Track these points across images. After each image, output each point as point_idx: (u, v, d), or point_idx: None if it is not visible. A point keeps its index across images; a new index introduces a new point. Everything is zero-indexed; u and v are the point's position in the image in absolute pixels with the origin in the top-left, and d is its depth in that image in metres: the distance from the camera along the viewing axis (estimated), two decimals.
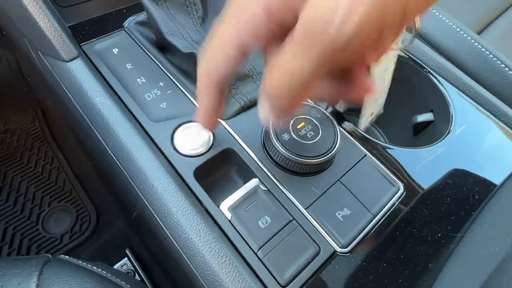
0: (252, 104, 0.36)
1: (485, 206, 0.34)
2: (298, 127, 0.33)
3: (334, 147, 0.32)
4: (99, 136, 0.33)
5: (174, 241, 0.28)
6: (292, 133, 0.32)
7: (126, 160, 0.31)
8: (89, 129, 0.34)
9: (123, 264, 0.80)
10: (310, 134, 0.32)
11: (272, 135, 0.32)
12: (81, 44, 0.39)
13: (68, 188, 0.96)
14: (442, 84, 0.44)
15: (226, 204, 0.30)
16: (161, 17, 0.36)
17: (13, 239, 0.87)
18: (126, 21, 0.42)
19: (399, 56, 0.46)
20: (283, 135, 0.32)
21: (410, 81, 0.47)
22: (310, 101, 0.38)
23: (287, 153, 0.31)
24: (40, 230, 0.90)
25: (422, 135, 0.47)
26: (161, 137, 0.33)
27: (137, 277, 0.77)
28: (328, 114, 0.34)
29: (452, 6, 0.70)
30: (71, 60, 0.35)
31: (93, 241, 0.90)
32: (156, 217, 0.29)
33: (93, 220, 0.92)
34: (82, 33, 0.40)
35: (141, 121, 0.33)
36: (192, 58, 0.35)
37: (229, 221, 0.29)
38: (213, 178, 0.33)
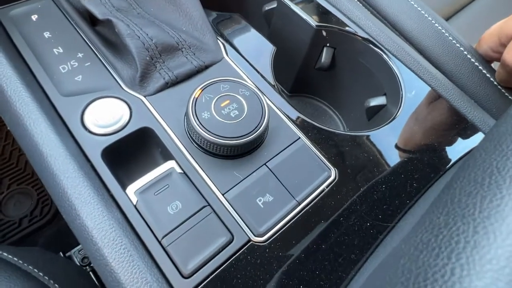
0: (179, 80, 0.33)
1: (422, 195, 0.32)
2: (222, 105, 0.30)
3: (258, 128, 0.29)
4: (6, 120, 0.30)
5: (70, 226, 0.26)
6: (213, 112, 0.29)
7: (23, 136, 0.27)
8: None
9: (80, 249, 0.77)
10: (234, 113, 0.29)
11: (191, 113, 0.29)
12: None
13: (30, 170, 0.92)
14: (396, 66, 0.41)
15: (133, 188, 0.27)
16: None
17: None
18: None
19: (358, 36, 0.43)
20: (202, 114, 0.29)
21: (366, 63, 0.44)
22: (245, 78, 0.35)
23: (204, 133, 0.28)
24: None
25: (376, 118, 0.45)
26: (69, 113, 0.29)
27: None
28: (258, 92, 0.31)
29: None
30: None
31: (54, 225, 0.88)
32: (54, 199, 0.26)
33: (54, 203, 0.89)
34: None
35: (49, 95, 0.30)
36: (108, 25, 0.31)
37: (134, 206, 0.26)
38: (127, 160, 0.30)
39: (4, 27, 0.34)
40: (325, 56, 0.46)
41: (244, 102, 0.30)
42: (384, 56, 0.42)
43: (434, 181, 0.33)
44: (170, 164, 0.29)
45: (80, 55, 0.33)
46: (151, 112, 0.31)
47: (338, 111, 0.53)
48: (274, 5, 0.49)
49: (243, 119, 0.29)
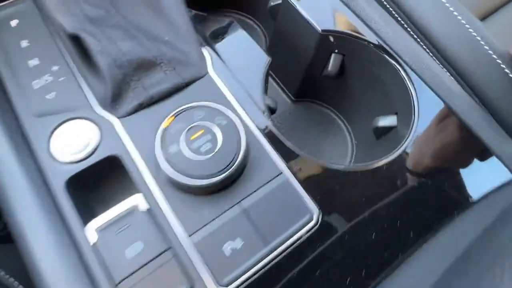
0: (155, 100, 0.30)
1: (421, 247, 0.28)
2: (193, 137, 0.27)
3: (231, 167, 0.26)
4: None
5: (24, 261, 0.25)
6: (182, 145, 0.26)
7: None
8: None
9: None
10: (206, 146, 0.26)
11: (158, 146, 0.26)
12: None
13: None
14: (411, 82, 0.35)
15: (94, 225, 0.26)
16: None
17: None
18: None
19: (370, 44, 0.37)
20: (170, 147, 0.26)
21: (379, 75, 0.39)
22: (229, 99, 0.31)
23: (169, 170, 0.25)
24: None
25: (385, 138, 0.40)
26: (37, 137, 0.28)
27: None
28: (236, 121, 0.28)
29: None
30: None
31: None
32: (10, 228, 0.26)
33: None
34: None
35: (19, 115, 0.29)
36: (75, 41, 0.28)
37: (94, 245, 0.25)
38: (93, 191, 0.28)
39: None
40: (333, 63, 0.41)
41: (219, 133, 0.27)
42: (399, 68, 0.36)
43: (435, 231, 0.28)
44: (137, 198, 0.27)
45: (55, 68, 0.31)
46: (122, 137, 0.29)
47: (347, 121, 0.48)
48: (279, 0, 0.43)
49: (215, 154, 0.26)
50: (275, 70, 0.50)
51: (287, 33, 0.43)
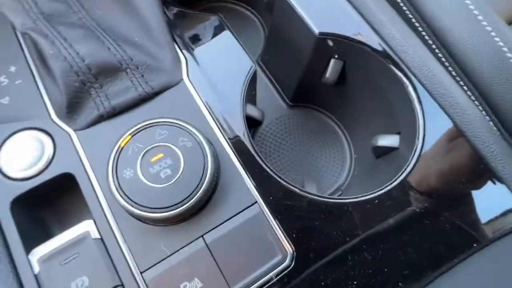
0: (118, 111, 0.27)
1: None
2: (152, 159, 0.23)
3: (192, 198, 0.22)
4: None
5: None
6: (139, 169, 0.23)
7: None
8: None
9: None
10: (166, 172, 0.23)
11: (110, 169, 0.23)
12: None
13: None
14: (418, 99, 0.30)
15: (38, 252, 0.23)
16: None
17: None
18: None
19: (373, 50, 0.32)
20: (124, 171, 0.23)
21: (382, 86, 0.34)
22: (203, 112, 0.28)
23: (120, 199, 0.22)
24: None
25: (386, 158, 0.35)
26: None
27: None
28: (203, 142, 0.24)
29: None
30: None
31: None
32: None
33: None
34: None
35: None
36: (26, 40, 0.25)
37: (35, 276, 0.23)
38: (41, 212, 0.25)
39: None
40: (332, 69, 0.36)
41: (181, 157, 0.23)
42: (406, 82, 0.31)
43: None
44: (88, 224, 0.24)
45: (12, 68, 0.28)
46: (78, 153, 0.26)
47: (347, 132, 0.43)
48: None
49: (175, 182, 0.23)
50: (271, 71, 0.45)
51: (282, 32, 0.38)
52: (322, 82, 0.38)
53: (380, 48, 0.32)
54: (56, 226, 0.25)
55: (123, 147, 0.23)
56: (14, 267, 0.23)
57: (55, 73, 0.25)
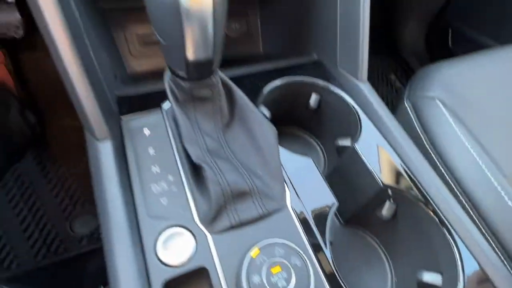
0: (243, 223, 0.37)
1: None
2: (273, 271, 0.32)
3: None
4: (99, 212, 0.37)
5: None
6: (264, 278, 0.32)
7: (108, 247, 0.34)
8: (96, 198, 0.38)
9: None
10: (282, 283, 0.32)
11: (243, 273, 0.32)
12: (122, 116, 0.45)
13: None
14: (460, 252, 0.40)
15: None
16: (184, 122, 0.39)
17: (44, 227, 0.98)
18: (165, 102, 0.47)
19: (421, 202, 0.43)
20: (254, 276, 0.32)
21: (428, 232, 0.44)
22: (301, 235, 0.37)
23: None
24: (67, 226, 1.00)
25: None
26: (148, 235, 0.35)
27: None
28: (308, 265, 0.33)
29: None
30: (102, 140, 0.40)
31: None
32: None
33: None
34: (127, 103, 0.46)
35: (138, 213, 0.37)
36: (199, 168, 0.37)
37: None
38: None
39: (123, 137, 0.43)
40: (387, 210, 0.47)
41: (293, 273, 0.33)
42: (447, 234, 0.41)
43: None
44: None
45: (171, 178, 0.40)
46: (211, 252, 0.35)
47: (390, 258, 0.52)
48: (348, 143, 0.52)
49: None
50: None
51: (349, 173, 0.50)
52: (377, 215, 0.48)
53: (428, 203, 0.43)
54: None
55: (253, 258, 0.33)
56: None
57: (211, 193, 0.36)
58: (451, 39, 1.24)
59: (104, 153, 0.39)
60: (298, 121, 0.63)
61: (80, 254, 0.96)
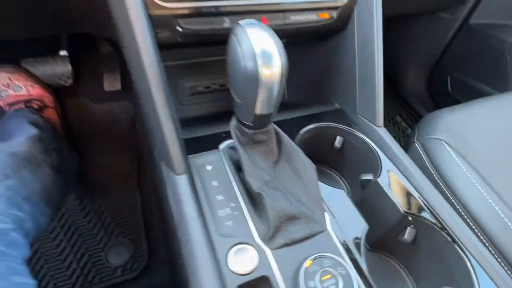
0: (295, 242, 0.46)
1: None
2: (323, 278, 0.41)
3: None
4: (179, 237, 0.46)
5: None
6: (318, 283, 0.40)
7: (191, 259, 0.42)
8: (173, 228, 0.48)
9: None
10: None
11: (300, 280, 0.40)
12: (188, 155, 0.56)
13: (135, 227, 1.14)
14: (471, 264, 0.47)
15: None
16: (245, 160, 0.50)
17: (81, 258, 1.05)
18: (222, 144, 0.58)
19: (437, 227, 0.52)
20: (310, 282, 0.40)
21: (447, 256, 0.52)
22: (341, 253, 0.46)
23: None
24: (103, 256, 1.07)
25: None
26: (220, 250, 0.44)
27: None
28: (352, 274, 0.42)
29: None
30: (180, 174, 0.50)
31: (137, 282, 1.03)
32: None
33: (143, 263, 1.06)
34: (191, 146, 0.57)
35: (211, 233, 0.46)
36: (259, 196, 0.47)
37: None
38: None
39: (191, 173, 0.53)
40: (408, 235, 0.55)
41: (340, 280, 0.41)
42: (465, 259, 0.49)
43: None
44: None
45: (233, 204, 0.49)
46: (271, 264, 0.44)
47: (416, 282, 0.59)
48: (371, 177, 0.61)
49: None
50: None
51: (372, 204, 0.59)
52: (399, 240, 0.57)
53: (445, 229, 0.51)
54: None
55: (308, 267, 0.41)
56: None
57: (270, 217, 0.45)
58: (450, 85, 1.38)
59: (183, 185, 0.49)
60: (324, 159, 0.73)
61: (115, 284, 1.02)
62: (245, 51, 0.39)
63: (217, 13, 0.54)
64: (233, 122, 0.50)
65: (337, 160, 0.72)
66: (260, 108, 0.43)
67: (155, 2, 0.49)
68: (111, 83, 1.38)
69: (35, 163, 0.68)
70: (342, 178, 0.74)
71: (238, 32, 0.40)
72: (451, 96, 1.37)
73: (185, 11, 0.52)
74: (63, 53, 1.28)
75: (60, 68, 1.29)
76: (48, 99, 1.19)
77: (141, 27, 0.47)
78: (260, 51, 0.39)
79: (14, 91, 1.11)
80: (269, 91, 0.41)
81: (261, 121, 0.46)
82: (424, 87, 1.47)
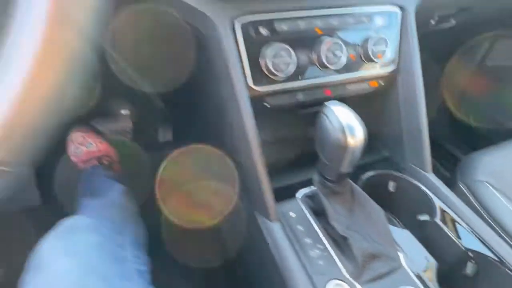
0: (379, 277, 0.55)
1: None
2: None
3: None
4: (283, 278, 0.56)
5: None
6: None
7: None
8: (274, 268, 0.58)
9: None
10: None
11: None
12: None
13: None
14: None
15: None
16: (328, 207, 0.60)
17: None
18: (298, 193, 0.70)
19: (491, 258, 0.60)
20: None
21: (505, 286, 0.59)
22: None
23: None
24: None
25: None
26: (319, 286, 0.53)
27: None
28: None
29: None
30: (273, 221, 0.61)
31: None
32: None
33: None
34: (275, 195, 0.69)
35: (309, 272, 0.55)
36: (344, 238, 0.57)
37: None
38: None
39: (280, 219, 0.64)
40: (470, 269, 0.63)
41: None
42: None
43: None
44: None
45: (320, 246, 0.59)
46: None
47: None
48: (427, 217, 0.71)
49: None
50: None
51: (431, 242, 0.68)
52: (461, 274, 0.64)
53: (497, 258, 0.59)
54: None
55: None
56: None
57: (356, 255, 0.55)
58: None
59: (277, 230, 0.60)
60: (379, 203, 0.83)
61: None
62: (335, 126, 0.52)
63: (292, 90, 0.69)
64: (316, 177, 0.62)
65: (390, 203, 0.82)
66: (344, 167, 0.55)
67: (251, 87, 0.63)
68: (164, 135, 1.55)
69: (134, 213, 0.81)
70: (396, 219, 0.83)
71: (327, 111, 0.53)
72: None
73: (271, 92, 0.66)
74: (125, 112, 1.47)
75: (122, 124, 1.47)
76: (113, 153, 1.35)
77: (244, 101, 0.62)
78: (347, 125, 0.51)
79: (87, 148, 1.27)
80: (353, 155, 0.53)
81: (341, 177, 0.58)
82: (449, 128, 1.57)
